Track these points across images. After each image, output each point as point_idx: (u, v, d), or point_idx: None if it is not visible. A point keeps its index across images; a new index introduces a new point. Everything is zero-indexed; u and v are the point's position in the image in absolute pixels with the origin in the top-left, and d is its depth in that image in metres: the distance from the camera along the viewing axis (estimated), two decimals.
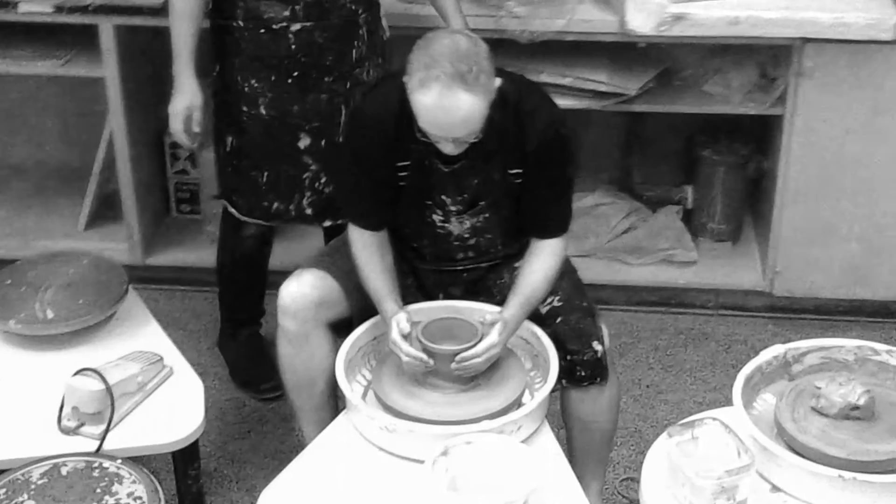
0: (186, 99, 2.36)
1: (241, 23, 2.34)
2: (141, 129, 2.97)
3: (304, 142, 2.41)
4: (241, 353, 2.74)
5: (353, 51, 2.38)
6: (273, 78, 2.36)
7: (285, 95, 2.37)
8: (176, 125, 2.38)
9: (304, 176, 2.44)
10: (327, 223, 2.52)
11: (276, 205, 2.46)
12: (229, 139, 2.45)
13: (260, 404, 2.67)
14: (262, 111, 2.38)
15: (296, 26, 2.32)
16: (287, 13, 2.32)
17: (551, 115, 2.04)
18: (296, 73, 2.36)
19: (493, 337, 1.99)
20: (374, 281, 2.06)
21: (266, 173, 2.44)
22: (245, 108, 2.39)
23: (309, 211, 2.47)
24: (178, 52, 2.36)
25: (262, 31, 2.33)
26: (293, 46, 2.34)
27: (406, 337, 2.00)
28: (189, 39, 2.35)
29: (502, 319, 2.01)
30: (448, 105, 1.85)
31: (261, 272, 2.67)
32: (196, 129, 2.39)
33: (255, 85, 2.37)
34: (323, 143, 2.41)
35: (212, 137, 2.51)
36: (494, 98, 1.92)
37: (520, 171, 2.05)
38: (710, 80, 2.94)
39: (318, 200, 2.46)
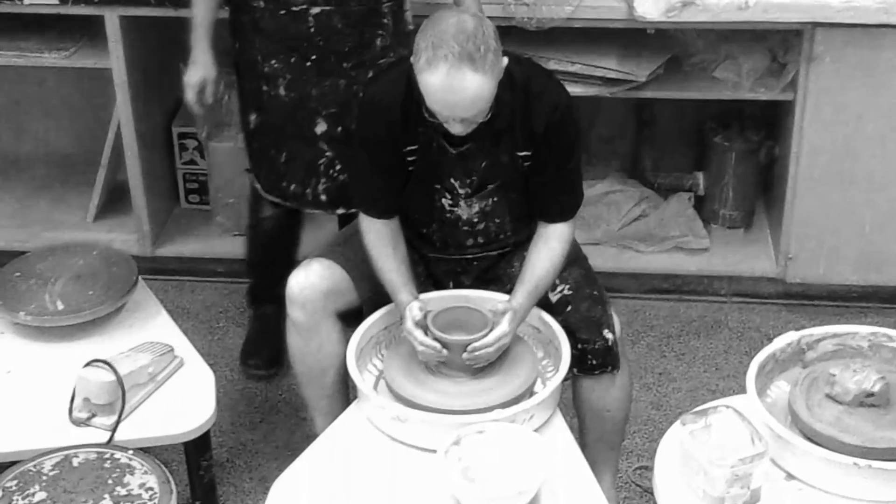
0: (201, 71, 2.44)
1: (261, 3, 2.35)
2: (149, 120, 2.97)
3: (320, 127, 2.43)
4: (251, 327, 2.77)
5: (378, 40, 2.38)
6: (293, 60, 2.38)
7: (304, 78, 2.39)
8: (190, 96, 2.46)
9: (320, 162, 2.46)
10: (341, 211, 2.54)
11: (293, 187, 2.49)
12: (252, 117, 2.49)
13: (272, 394, 2.68)
14: (282, 92, 2.41)
15: (315, 9, 2.33)
16: None
17: (560, 97, 2.03)
18: (314, 57, 2.37)
19: (503, 326, 1.98)
20: (389, 272, 2.06)
21: (284, 154, 2.47)
22: (265, 88, 2.42)
23: (323, 197, 2.49)
24: (195, 25, 2.43)
25: (283, 12, 2.34)
26: (312, 29, 2.35)
27: (419, 325, 1.99)
28: (207, 13, 2.42)
29: (511, 309, 2.00)
30: (456, 85, 1.85)
31: (281, 254, 2.67)
32: (209, 99, 2.47)
33: (276, 65, 2.39)
34: (339, 129, 2.43)
35: (238, 114, 2.59)
36: (502, 78, 1.92)
37: (528, 153, 2.04)
38: (720, 65, 2.91)
39: (333, 187, 2.48)
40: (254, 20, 2.37)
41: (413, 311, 2.00)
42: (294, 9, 2.33)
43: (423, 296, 2.07)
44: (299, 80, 2.39)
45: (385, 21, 2.38)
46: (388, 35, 2.39)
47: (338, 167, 2.46)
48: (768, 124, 3.05)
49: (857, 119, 2.74)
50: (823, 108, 2.74)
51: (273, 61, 2.39)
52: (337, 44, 2.36)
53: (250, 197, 2.68)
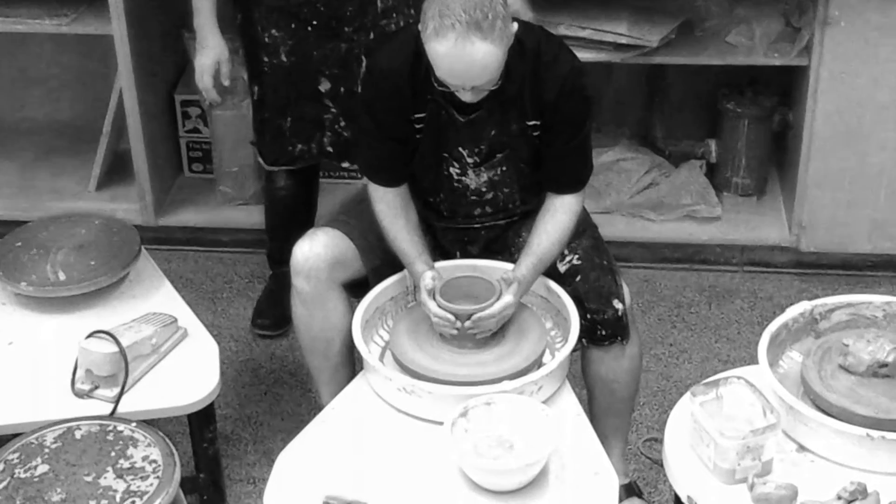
0: (212, 53, 2.38)
1: None
2: (151, 88, 2.94)
3: (324, 85, 2.42)
4: (266, 286, 2.80)
5: (379, 2, 2.35)
6: (293, 26, 2.36)
7: (305, 42, 2.38)
8: (205, 80, 2.40)
9: (325, 116, 2.46)
10: (346, 164, 2.56)
11: (298, 147, 2.49)
12: (255, 89, 2.48)
13: (277, 366, 2.66)
14: (284, 58, 2.39)
15: None
16: None
17: (571, 66, 1.99)
18: (315, 22, 2.36)
19: (507, 297, 1.97)
20: (402, 242, 2.04)
21: (289, 118, 2.46)
22: (266, 59, 2.40)
23: (329, 149, 2.50)
24: (199, 6, 2.37)
25: None
26: None
27: (432, 295, 1.98)
28: None
29: (516, 280, 1.99)
30: (464, 54, 1.82)
31: (298, 220, 2.66)
32: (225, 82, 2.42)
33: (276, 34, 2.37)
34: (342, 89, 2.42)
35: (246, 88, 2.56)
36: (512, 45, 1.89)
37: (537, 122, 2.01)
38: (732, 30, 2.88)
39: (339, 141, 2.48)
40: None
41: (426, 280, 1.98)
42: None
43: (438, 264, 2.05)
44: (300, 45, 2.37)
45: None
46: None
47: (342, 124, 2.45)
48: (782, 90, 3.02)
49: (872, 84, 2.70)
50: (838, 74, 2.70)
51: (273, 30, 2.36)
52: (338, 8, 2.34)
53: (264, 172, 2.67)
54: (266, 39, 2.37)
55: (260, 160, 2.58)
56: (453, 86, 1.90)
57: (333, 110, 2.44)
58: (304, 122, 2.46)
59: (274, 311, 2.71)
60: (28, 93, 3.28)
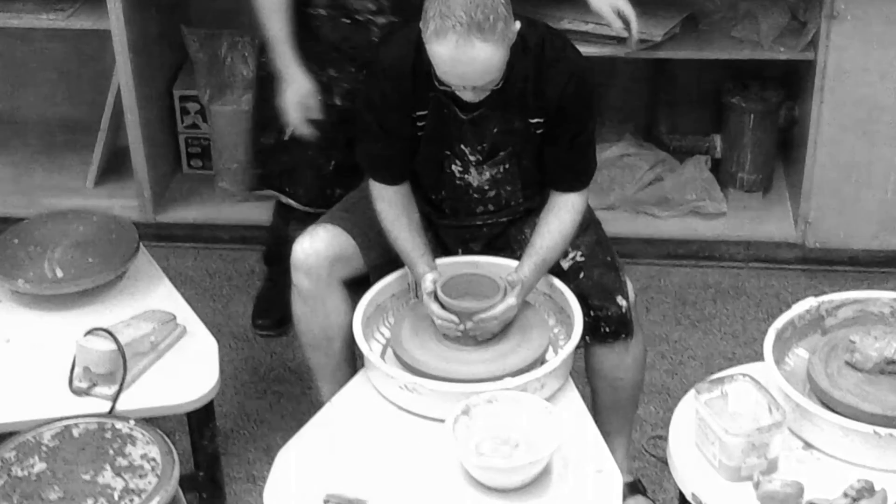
0: (297, 88, 2.30)
1: (324, 11, 2.29)
2: (149, 83, 2.92)
3: None
4: (264, 285, 2.77)
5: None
6: (351, 68, 2.32)
7: (359, 85, 2.30)
8: (295, 116, 2.32)
9: None
10: None
11: (338, 192, 2.41)
12: (288, 129, 2.37)
13: (277, 363, 2.65)
14: (337, 101, 2.34)
15: (381, 20, 2.28)
16: (373, 6, 2.27)
17: (575, 64, 1.98)
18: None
19: (510, 300, 1.96)
20: (404, 242, 2.03)
21: (333, 162, 2.42)
22: (320, 98, 2.33)
23: None
24: (277, 43, 2.29)
25: (347, 20, 2.28)
26: (376, 39, 2.29)
27: (433, 297, 1.96)
28: (286, 28, 2.27)
29: (519, 281, 1.98)
30: (465, 55, 1.81)
31: None
32: (316, 114, 2.32)
33: (333, 75, 2.33)
34: None
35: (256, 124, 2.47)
36: (515, 42, 1.88)
37: (541, 120, 1.99)
38: (738, 24, 2.87)
39: None
40: (312, 29, 2.30)
41: (427, 283, 1.97)
42: (359, 18, 2.27)
43: (439, 261, 2.04)
44: (355, 88, 2.31)
45: None
46: None
47: None
48: (787, 84, 3.00)
49: (879, 79, 2.68)
50: (844, 68, 2.68)
51: (331, 70, 2.32)
52: None
53: (275, 211, 2.63)
54: (323, 79, 2.31)
55: (290, 201, 2.49)
56: (454, 85, 1.89)
57: None
58: (346, 167, 2.38)
59: (274, 310, 2.68)
60: (25, 88, 3.26)
